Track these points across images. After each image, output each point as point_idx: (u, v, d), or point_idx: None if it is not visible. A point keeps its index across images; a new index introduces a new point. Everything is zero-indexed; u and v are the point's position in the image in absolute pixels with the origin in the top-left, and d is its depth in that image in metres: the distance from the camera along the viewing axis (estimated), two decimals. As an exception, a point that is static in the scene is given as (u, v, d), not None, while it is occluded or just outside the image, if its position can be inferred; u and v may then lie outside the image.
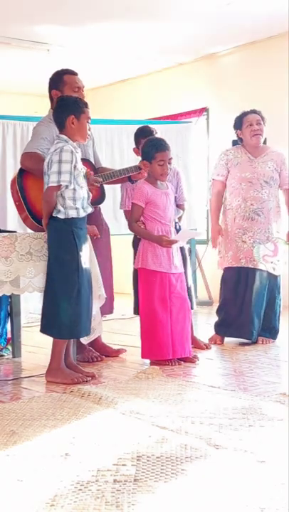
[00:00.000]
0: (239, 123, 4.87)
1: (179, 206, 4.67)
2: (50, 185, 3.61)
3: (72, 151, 3.61)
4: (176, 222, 4.61)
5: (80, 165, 3.67)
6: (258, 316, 4.76)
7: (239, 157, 4.84)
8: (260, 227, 4.75)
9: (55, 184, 3.60)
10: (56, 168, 3.58)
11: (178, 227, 4.51)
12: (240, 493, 2.08)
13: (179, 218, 4.68)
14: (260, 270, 4.74)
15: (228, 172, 4.86)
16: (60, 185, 3.60)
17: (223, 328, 4.86)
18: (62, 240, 3.67)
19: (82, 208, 3.70)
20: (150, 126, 4.68)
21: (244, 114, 4.86)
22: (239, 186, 4.80)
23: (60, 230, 3.67)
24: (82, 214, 3.71)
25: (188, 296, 4.60)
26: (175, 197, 4.61)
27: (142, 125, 4.80)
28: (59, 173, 3.58)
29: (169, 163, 4.14)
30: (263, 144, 4.92)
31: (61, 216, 3.65)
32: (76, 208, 3.66)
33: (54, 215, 3.65)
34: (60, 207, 3.64)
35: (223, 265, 4.89)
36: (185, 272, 4.61)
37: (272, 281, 4.82)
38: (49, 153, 3.68)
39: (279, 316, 4.90)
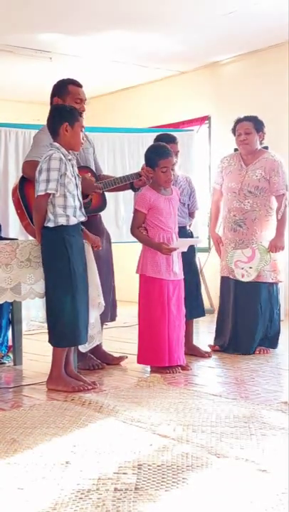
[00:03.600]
0: (234, 130, 4.86)
1: (190, 214, 4.69)
2: (38, 194, 3.62)
3: (60, 159, 3.61)
4: (188, 229, 4.64)
5: (70, 173, 3.65)
6: (250, 328, 4.68)
7: (233, 165, 4.84)
8: (242, 238, 4.72)
9: (43, 193, 3.60)
10: (44, 176, 3.59)
11: (189, 232, 4.66)
12: (241, 502, 2.08)
13: (189, 226, 4.69)
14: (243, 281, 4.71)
15: (223, 180, 4.87)
16: (48, 193, 3.60)
17: (217, 340, 4.85)
18: (53, 248, 3.68)
19: (74, 215, 3.70)
20: (171, 134, 4.66)
21: (237, 122, 4.83)
22: (226, 196, 4.82)
23: (51, 239, 3.67)
24: (73, 221, 3.70)
25: (200, 303, 4.62)
26: (188, 205, 4.63)
27: (162, 132, 4.78)
28: (47, 181, 3.58)
29: (172, 170, 4.15)
30: (261, 149, 4.85)
31: (51, 225, 3.65)
32: (66, 216, 3.66)
33: (45, 224, 3.66)
34: (50, 215, 3.64)
35: (221, 273, 4.89)
36: (195, 279, 4.63)
37: (267, 290, 4.76)
38: (40, 161, 3.69)
39: (278, 325, 4.84)
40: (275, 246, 4.69)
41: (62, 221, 3.65)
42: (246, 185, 4.72)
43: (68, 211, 3.66)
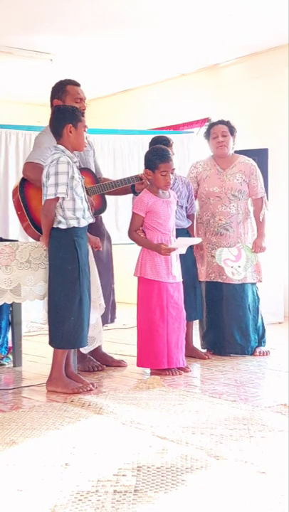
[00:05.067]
0: (207, 134, 4.87)
1: (188, 217, 4.67)
2: (47, 198, 3.62)
3: (68, 162, 3.61)
4: (188, 232, 4.63)
5: (77, 175, 3.66)
6: (240, 330, 4.69)
7: (208, 170, 4.84)
8: (229, 241, 4.73)
9: (52, 197, 3.60)
10: (53, 180, 3.58)
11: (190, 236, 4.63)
12: (240, 504, 2.08)
13: (189, 228, 4.68)
14: (232, 284, 4.71)
15: (198, 185, 4.85)
16: (58, 197, 3.61)
17: (209, 344, 4.83)
18: (63, 249, 3.67)
19: (83, 217, 3.71)
20: (166, 135, 4.66)
21: (211, 125, 4.85)
22: (208, 201, 4.80)
23: (61, 240, 3.67)
24: (84, 223, 3.71)
25: (198, 306, 4.61)
26: (186, 207, 4.63)
27: (157, 135, 4.75)
28: (56, 185, 3.58)
29: (172, 173, 4.15)
30: (234, 154, 4.88)
31: (62, 226, 3.65)
32: (77, 218, 3.67)
33: (55, 226, 3.66)
34: (60, 218, 3.64)
35: (202, 278, 4.87)
36: (193, 282, 4.62)
37: (251, 290, 4.78)
38: (46, 164, 3.69)
39: (263, 324, 4.84)
40: (260, 246, 4.76)
41: (73, 223, 3.65)
42: (229, 190, 4.74)
43: (78, 213, 3.67)
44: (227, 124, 4.81)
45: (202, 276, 4.81)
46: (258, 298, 4.85)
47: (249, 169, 4.80)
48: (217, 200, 4.76)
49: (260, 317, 4.84)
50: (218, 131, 4.79)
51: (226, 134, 4.77)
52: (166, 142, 4.46)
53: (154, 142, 4.46)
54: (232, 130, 4.82)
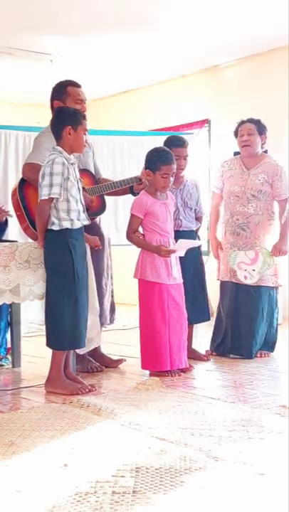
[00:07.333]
0: (236, 132, 4.82)
1: (197, 219, 4.66)
2: (41, 198, 3.62)
3: (63, 163, 3.60)
4: (196, 234, 4.62)
5: (72, 177, 3.65)
6: (253, 332, 4.64)
7: (233, 169, 4.78)
8: (245, 241, 4.67)
9: (46, 197, 3.60)
10: (48, 181, 3.59)
11: (197, 238, 4.62)
12: (239, 506, 2.08)
13: (197, 230, 4.67)
14: (247, 285, 4.66)
15: (223, 184, 4.82)
16: (52, 198, 3.61)
17: (217, 345, 4.80)
18: (57, 250, 3.67)
19: (78, 219, 3.70)
20: (182, 137, 4.62)
21: (240, 124, 4.80)
22: (228, 200, 4.76)
23: (55, 241, 3.67)
24: (77, 225, 3.70)
25: (206, 308, 4.60)
26: (195, 209, 4.61)
27: (173, 135, 4.71)
28: (50, 186, 3.58)
29: (172, 176, 4.14)
30: (262, 153, 4.82)
31: (55, 228, 3.65)
32: (70, 220, 3.66)
33: (49, 227, 3.66)
34: (54, 219, 3.64)
35: (218, 277, 4.86)
36: (201, 284, 4.60)
37: (268, 294, 4.73)
38: (43, 165, 3.69)
39: (277, 329, 4.82)
40: (280, 250, 4.67)
41: (66, 224, 3.65)
42: (249, 189, 4.67)
43: (72, 215, 3.66)
44: (256, 122, 4.74)
45: (220, 275, 4.79)
46: (275, 302, 4.77)
47: (273, 170, 4.69)
48: (236, 199, 4.71)
49: (274, 322, 4.77)
50: (244, 129, 4.72)
51: (251, 133, 4.69)
52: (182, 143, 4.43)
53: (169, 142, 4.43)
54: (261, 129, 4.73)
